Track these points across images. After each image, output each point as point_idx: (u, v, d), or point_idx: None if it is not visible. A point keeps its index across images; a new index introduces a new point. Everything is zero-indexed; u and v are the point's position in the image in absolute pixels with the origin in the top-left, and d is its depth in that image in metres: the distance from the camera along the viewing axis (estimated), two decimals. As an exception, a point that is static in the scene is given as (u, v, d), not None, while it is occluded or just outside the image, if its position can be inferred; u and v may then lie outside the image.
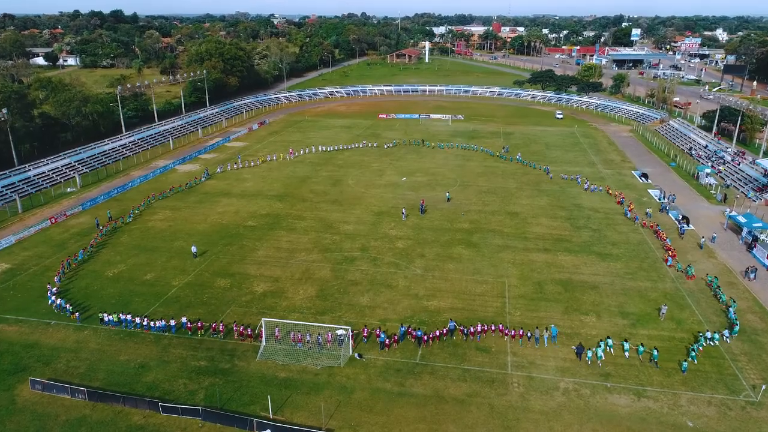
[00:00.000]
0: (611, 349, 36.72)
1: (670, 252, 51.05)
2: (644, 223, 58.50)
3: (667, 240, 53.96)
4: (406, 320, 40.51)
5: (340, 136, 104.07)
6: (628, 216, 60.61)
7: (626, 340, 37.09)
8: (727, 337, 37.82)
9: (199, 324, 38.26)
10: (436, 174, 78.69)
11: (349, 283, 45.90)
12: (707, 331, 38.83)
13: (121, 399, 31.59)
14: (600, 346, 36.20)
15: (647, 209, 62.82)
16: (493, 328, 37.84)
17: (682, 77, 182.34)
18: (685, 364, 34.75)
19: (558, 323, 40.14)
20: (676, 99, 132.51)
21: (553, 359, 36.06)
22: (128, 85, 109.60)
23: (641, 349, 36.20)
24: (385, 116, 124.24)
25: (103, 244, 53.94)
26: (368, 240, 54.76)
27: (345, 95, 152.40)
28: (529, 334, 37.53)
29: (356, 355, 35.84)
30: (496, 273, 47.94)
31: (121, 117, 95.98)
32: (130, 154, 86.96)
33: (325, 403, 31.93)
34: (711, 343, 37.48)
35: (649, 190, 71.93)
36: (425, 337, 36.18)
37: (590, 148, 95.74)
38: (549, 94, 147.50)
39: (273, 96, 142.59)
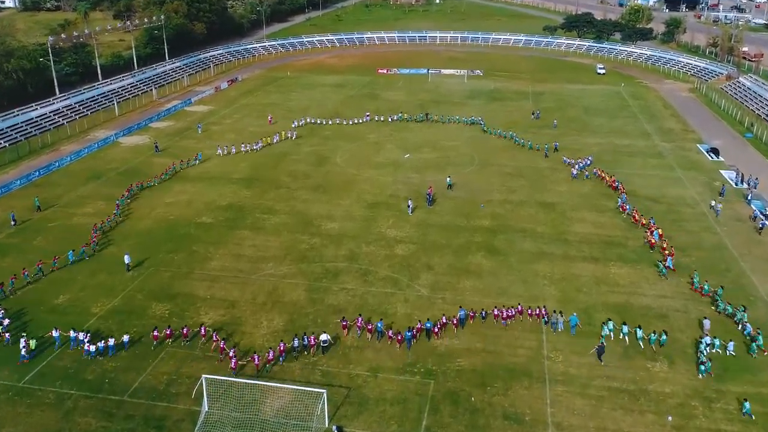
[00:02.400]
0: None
1: (665, 250, 44.66)
2: (635, 218, 51.13)
3: (655, 233, 47.26)
4: (407, 367, 33.58)
5: (329, 97, 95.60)
6: (629, 209, 52.92)
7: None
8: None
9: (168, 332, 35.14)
10: (447, 149, 70.75)
11: (330, 309, 38.86)
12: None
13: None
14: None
15: (712, 201, 54.57)
16: (512, 312, 37.28)
17: (749, 21, 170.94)
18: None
19: (615, 374, 33.24)
20: (745, 49, 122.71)
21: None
22: (62, 36, 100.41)
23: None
24: (385, 71, 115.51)
25: (6, 247, 46.80)
26: (358, 244, 47.45)
27: (337, 44, 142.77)
28: (546, 319, 36.93)
29: (334, 428, 29.03)
30: (529, 294, 40.74)
31: (54, 75, 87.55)
32: (64, 122, 79.08)
33: None
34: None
35: (723, 172, 63.93)
36: (435, 329, 35.51)
37: (642, 113, 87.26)
38: (587, 43, 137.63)
39: (248, 46, 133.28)
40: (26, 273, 41.73)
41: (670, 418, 29.98)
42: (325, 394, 29.61)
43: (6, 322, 36.39)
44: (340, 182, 60.29)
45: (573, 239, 48.43)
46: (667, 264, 43.17)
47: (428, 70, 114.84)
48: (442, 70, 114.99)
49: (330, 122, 79.06)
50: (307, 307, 39.21)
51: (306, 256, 45.71)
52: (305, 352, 34.37)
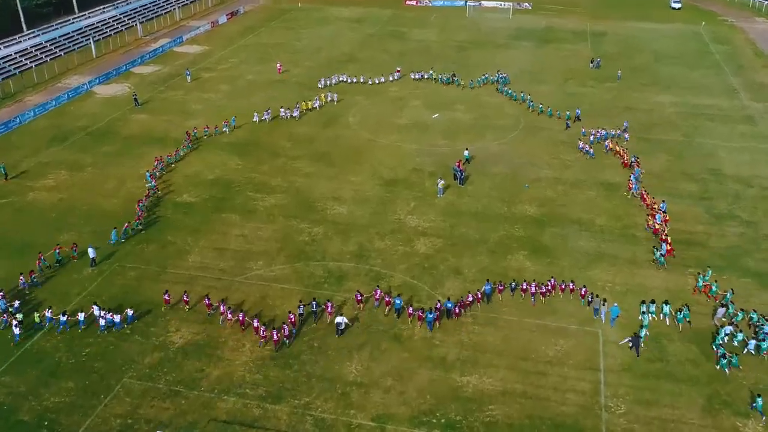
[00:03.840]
0: None
1: (664, 242, 39.93)
2: (643, 196, 46.15)
3: (657, 218, 42.38)
4: (423, 415, 29.02)
5: (345, 35, 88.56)
6: (636, 189, 47.29)
7: None
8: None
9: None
10: (486, 106, 64.24)
11: (330, 330, 34.12)
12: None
13: None
14: None
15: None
16: (548, 287, 36.09)
17: None
18: None
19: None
20: None
21: None
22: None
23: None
24: (414, 2, 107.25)
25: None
26: (370, 236, 42.34)
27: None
28: (590, 299, 35.45)
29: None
30: (584, 314, 35.37)
31: (19, 7, 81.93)
32: (32, 65, 74.10)
33: None
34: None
35: (834, 146, 56.39)
36: (456, 309, 34.37)
37: (726, 63, 78.57)
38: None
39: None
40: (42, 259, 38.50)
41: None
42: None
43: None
44: (351, 150, 54.66)
45: (641, 235, 42.43)
46: (662, 251, 39.13)
47: (467, 2, 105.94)
48: (483, 2, 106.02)
49: (364, 80, 70.41)
50: (301, 326, 34.54)
51: (304, 251, 40.83)
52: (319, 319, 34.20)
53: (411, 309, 34.12)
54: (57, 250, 39.23)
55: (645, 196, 45.70)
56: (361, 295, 35.27)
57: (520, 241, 41.87)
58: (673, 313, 34.57)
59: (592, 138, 54.71)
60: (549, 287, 36.02)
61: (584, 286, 36.20)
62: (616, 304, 34.83)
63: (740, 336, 32.85)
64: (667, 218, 42.69)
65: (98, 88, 69.62)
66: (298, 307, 34.27)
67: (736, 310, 34.67)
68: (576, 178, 50.01)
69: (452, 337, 33.63)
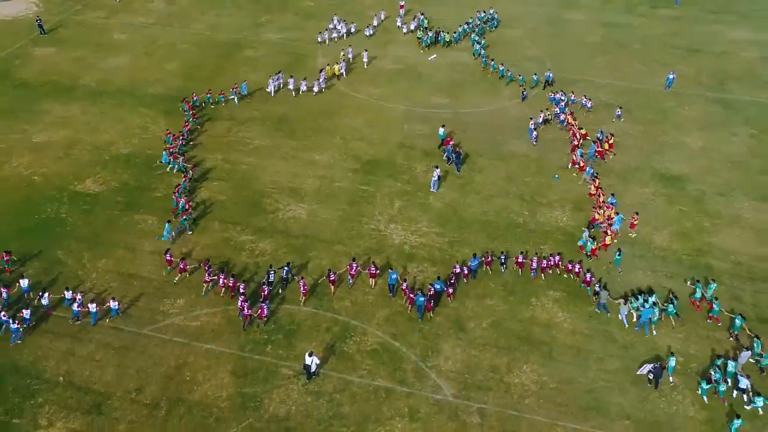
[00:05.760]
0: None
1: (605, 233, 31.65)
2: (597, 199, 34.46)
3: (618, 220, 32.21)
4: None
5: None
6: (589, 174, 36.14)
7: None
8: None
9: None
10: (499, 43, 50.77)
11: (275, 426, 23.73)
12: None
13: None
14: None
15: None
16: (551, 262, 29.89)
17: None
18: None
19: None
20: None
21: None
22: None
23: None
24: None
25: None
26: (337, 259, 31.04)
27: None
28: (597, 289, 28.61)
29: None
30: (635, 406, 24.95)
31: None
32: None
33: None
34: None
35: None
36: (449, 289, 28.79)
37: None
38: None
39: None
40: None
41: None
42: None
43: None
44: (318, 112, 42.31)
45: (722, 266, 31.10)
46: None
47: None
48: None
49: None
50: (231, 420, 23.94)
51: (241, 277, 29.56)
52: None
53: (405, 285, 28.29)
54: None
55: (596, 186, 34.69)
56: (335, 275, 28.78)
57: (549, 275, 30.57)
58: (663, 306, 27.94)
59: (541, 117, 40.84)
60: (546, 264, 29.78)
61: (589, 271, 29.29)
62: (654, 305, 27.39)
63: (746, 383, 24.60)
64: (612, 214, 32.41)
65: (-5, 6, 55.34)
66: (268, 272, 28.40)
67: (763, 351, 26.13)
68: (626, 165, 38.05)
69: (450, 461, 23.21)
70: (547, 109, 41.42)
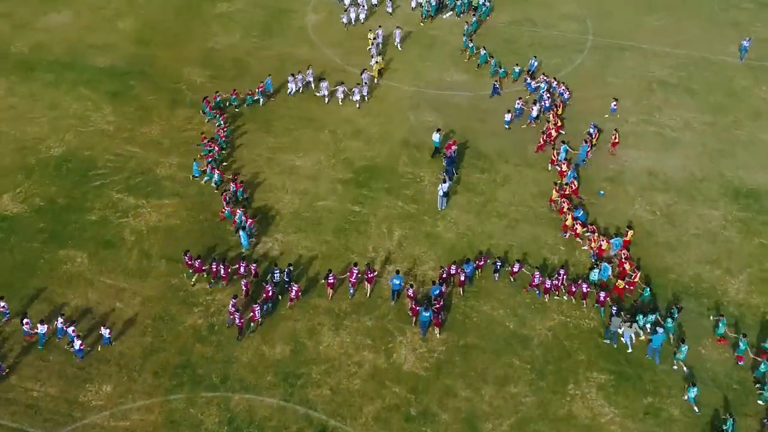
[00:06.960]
0: None
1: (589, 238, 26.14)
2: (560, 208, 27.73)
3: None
4: None
5: None
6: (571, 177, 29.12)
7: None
8: None
9: None
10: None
11: None
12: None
13: None
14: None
15: None
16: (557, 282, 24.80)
17: None
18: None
19: None
20: None
21: None
22: None
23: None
24: None
25: None
26: (315, 322, 24.20)
27: None
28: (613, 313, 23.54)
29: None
30: None
31: None
32: None
33: None
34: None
35: None
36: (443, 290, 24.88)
37: None
38: None
39: None
40: None
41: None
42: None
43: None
44: (302, 95, 34.09)
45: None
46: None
47: None
48: None
49: None
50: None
51: (190, 362, 22.94)
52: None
53: (411, 291, 24.64)
54: None
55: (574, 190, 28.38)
56: (334, 277, 25.06)
57: (596, 355, 23.53)
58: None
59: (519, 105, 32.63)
60: (551, 283, 24.84)
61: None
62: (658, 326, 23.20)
63: None
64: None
65: None
66: (272, 272, 25.14)
67: None
68: (689, 173, 30.17)
69: None
70: (520, 98, 32.61)
